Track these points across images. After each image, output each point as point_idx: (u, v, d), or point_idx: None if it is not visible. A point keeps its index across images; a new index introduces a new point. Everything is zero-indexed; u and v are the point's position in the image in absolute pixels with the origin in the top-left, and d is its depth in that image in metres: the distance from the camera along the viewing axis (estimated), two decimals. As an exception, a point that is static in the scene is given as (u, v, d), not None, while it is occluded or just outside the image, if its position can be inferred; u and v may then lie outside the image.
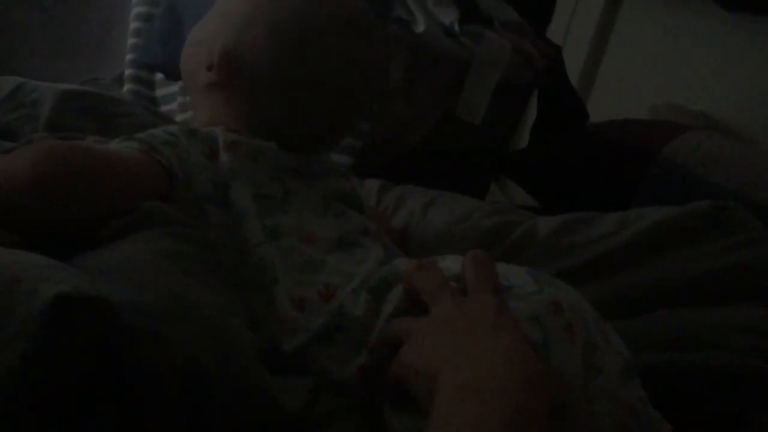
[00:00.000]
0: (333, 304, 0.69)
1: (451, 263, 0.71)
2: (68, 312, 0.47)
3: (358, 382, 0.66)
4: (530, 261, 0.98)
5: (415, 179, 1.21)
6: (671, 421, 0.69)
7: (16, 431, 0.45)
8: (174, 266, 0.63)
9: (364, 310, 0.68)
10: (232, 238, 0.73)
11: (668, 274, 0.93)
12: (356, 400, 0.66)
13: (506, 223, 1.05)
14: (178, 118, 1.32)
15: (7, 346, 0.45)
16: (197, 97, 0.89)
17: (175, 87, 1.35)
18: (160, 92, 1.38)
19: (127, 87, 1.36)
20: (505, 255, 1.00)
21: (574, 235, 1.01)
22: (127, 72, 1.37)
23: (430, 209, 1.10)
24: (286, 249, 0.73)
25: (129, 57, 1.38)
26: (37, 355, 0.46)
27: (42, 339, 0.46)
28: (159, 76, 1.37)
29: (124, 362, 0.50)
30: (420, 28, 1.28)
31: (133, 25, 1.39)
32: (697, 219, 0.97)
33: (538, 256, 0.99)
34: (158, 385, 0.52)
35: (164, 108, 1.36)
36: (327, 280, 0.71)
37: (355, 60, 0.87)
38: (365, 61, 0.88)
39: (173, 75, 1.34)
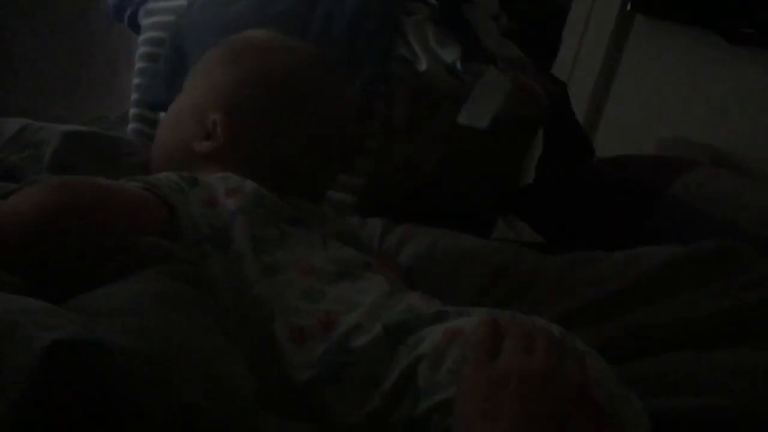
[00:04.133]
0: (334, 334, 0.68)
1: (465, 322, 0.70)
2: (64, 359, 0.47)
3: (364, 429, 0.65)
4: (535, 300, 0.98)
5: (419, 218, 1.21)
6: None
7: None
8: (174, 310, 0.62)
9: (373, 345, 0.67)
10: (230, 279, 0.74)
11: (675, 315, 0.92)
12: None
13: (511, 261, 1.05)
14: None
15: (2, 393, 0.45)
16: (190, 169, 0.90)
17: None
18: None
19: (131, 126, 1.37)
20: (510, 294, 0.99)
21: (579, 275, 1.00)
22: (132, 111, 1.38)
23: (435, 248, 1.09)
24: (283, 283, 0.73)
25: (134, 96, 1.38)
26: (31, 402, 0.46)
27: (36, 386, 0.46)
28: (163, 115, 1.38)
29: (121, 409, 0.50)
30: (422, 66, 1.28)
31: (139, 65, 1.40)
32: (703, 258, 0.97)
33: (543, 295, 0.98)
34: (157, 429, 0.51)
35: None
36: (327, 308, 0.71)
37: (343, 101, 0.98)
38: (349, 101, 1.00)
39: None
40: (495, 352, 0.60)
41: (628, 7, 2.14)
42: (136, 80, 1.40)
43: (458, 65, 1.31)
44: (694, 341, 0.89)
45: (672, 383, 0.81)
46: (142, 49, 1.41)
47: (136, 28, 1.47)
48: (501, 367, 0.58)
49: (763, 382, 0.81)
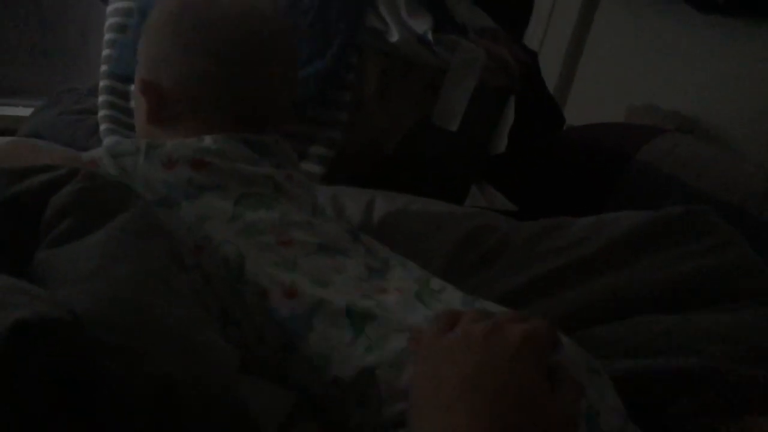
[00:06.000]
0: (297, 303, 0.69)
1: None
2: (28, 338, 0.47)
3: (333, 398, 0.66)
4: (504, 266, 0.99)
5: (392, 187, 1.21)
6: (646, 426, 0.70)
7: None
8: (151, 276, 0.61)
9: (332, 322, 0.68)
10: (191, 237, 0.74)
11: (642, 279, 0.93)
12: (334, 426, 0.66)
13: (482, 227, 1.05)
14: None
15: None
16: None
17: (150, 98, 1.34)
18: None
19: (101, 98, 1.35)
20: (480, 260, 1.00)
21: (549, 241, 1.01)
22: (102, 83, 1.36)
23: (405, 212, 1.10)
24: (259, 245, 0.74)
25: (103, 68, 1.37)
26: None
27: (1, 366, 0.45)
28: (133, 87, 1.36)
29: (93, 380, 0.50)
30: (394, 38, 1.28)
31: (108, 36, 1.38)
32: (669, 224, 0.98)
33: (513, 261, 1.00)
34: (129, 401, 0.51)
35: (140, 119, 1.35)
36: (293, 279, 0.71)
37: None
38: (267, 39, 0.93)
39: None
40: (449, 329, 0.59)
41: (600, -24, 2.15)
42: (105, 52, 1.38)
43: (429, 36, 1.31)
44: (660, 304, 0.90)
45: (638, 346, 0.83)
46: (110, 20, 1.39)
47: (104, -3, 1.45)
48: (448, 338, 0.57)
49: (727, 343, 0.83)
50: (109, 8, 1.41)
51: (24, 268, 0.62)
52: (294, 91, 0.99)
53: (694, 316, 0.88)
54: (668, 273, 0.93)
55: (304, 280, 0.71)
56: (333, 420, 0.66)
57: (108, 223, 0.64)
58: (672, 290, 0.92)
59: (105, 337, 0.51)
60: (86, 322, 0.51)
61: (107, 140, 1.29)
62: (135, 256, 0.62)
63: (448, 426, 0.51)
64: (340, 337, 0.67)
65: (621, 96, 2.01)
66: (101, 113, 1.33)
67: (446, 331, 0.59)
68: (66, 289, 0.56)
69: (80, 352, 0.50)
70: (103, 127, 1.31)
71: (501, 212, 1.31)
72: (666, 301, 0.91)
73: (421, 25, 1.30)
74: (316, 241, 0.76)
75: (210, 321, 0.65)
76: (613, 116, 1.88)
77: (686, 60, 1.94)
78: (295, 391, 0.67)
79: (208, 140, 0.83)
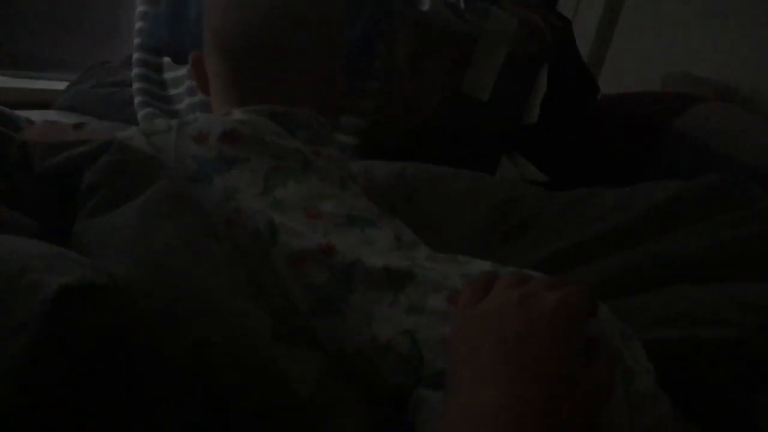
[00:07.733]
0: (335, 261, 0.69)
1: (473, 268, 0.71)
2: (72, 303, 0.48)
3: (365, 359, 0.67)
4: (537, 236, 0.98)
5: (424, 156, 1.21)
6: (681, 397, 0.69)
7: (20, 422, 0.46)
8: (187, 245, 0.63)
9: (373, 279, 0.68)
10: (221, 211, 0.75)
11: (679, 248, 0.92)
12: (363, 387, 0.66)
13: (515, 197, 1.05)
14: (186, 101, 1.32)
15: (10, 337, 0.46)
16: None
17: (182, 70, 1.35)
18: (168, 75, 1.37)
19: (135, 71, 1.36)
20: (512, 230, 1.00)
21: (583, 210, 1.01)
22: (135, 56, 1.37)
23: (436, 182, 1.09)
24: (291, 218, 0.74)
25: (136, 41, 1.37)
26: (41, 346, 0.46)
27: (45, 331, 0.47)
28: (167, 59, 1.37)
29: (132, 346, 0.51)
30: (426, 5, 1.27)
31: (140, 8, 1.38)
32: (707, 193, 0.97)
33: (545, 231, 0.99)
34: (167, 363, 0.53)
35: (172, 92, 1.36)
36: (328, 240, 0.71)
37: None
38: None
39: (180, 58, 1.33)
40: (485, 294, 0.61)
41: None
42: (138, 24, 1.39)
43: (461, 3, 1.30)
44: (696, 274, 0.89)
45: (673, 315, 0.82)
46: (142, -8, 1.40)
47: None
48: (485, 304, 0.58)
49: (761, 314, 0.82)
50: (141, -20, 1.41)
51: (64, 238, 0.63)
52: (331, 54, 0.97)
53: (731, 286, 0.87)
54: (705, 242, 0.92)
55: (339, 240, 0.71)
56: (365, 382, 0.67)
57: (142, 194, 0.66)
58: (709, 260, 0.91)
59: (145, 303, 0.53)
60: (126, 289, 0.52)
61: (141, 113, 1.30)
62: (170, 226, 0.64)
63: (485, 394, 0.52)
64: (381, 298, 0.67)
65: (657, 64, 1.98)
66: (135, 86, 1.34)
67: (482, 296, 0.60)
68: (105, 257, 0.58)
69: (121, 316, 0.51)
70: (137, 100, 1.32)
71: (532, 183, 1.30)
72: (703, 270, 0.90)
73: (453, -7, 1.28)
74: (345, 212, 0.77)
75: (243, 289, 0.66)
76: (648, 85, 1.85)
77: (724, 26, 1.90)
78: (326, 354, 0.68)
79: (237, 113, 0.84)
